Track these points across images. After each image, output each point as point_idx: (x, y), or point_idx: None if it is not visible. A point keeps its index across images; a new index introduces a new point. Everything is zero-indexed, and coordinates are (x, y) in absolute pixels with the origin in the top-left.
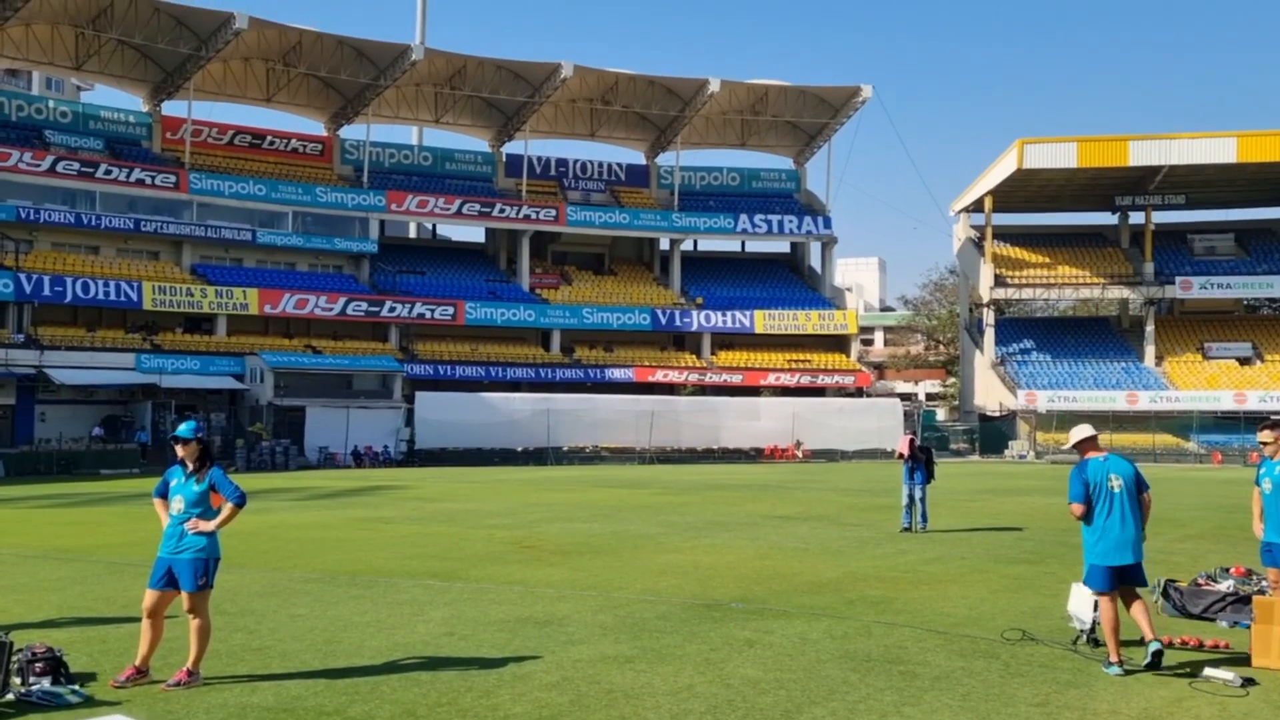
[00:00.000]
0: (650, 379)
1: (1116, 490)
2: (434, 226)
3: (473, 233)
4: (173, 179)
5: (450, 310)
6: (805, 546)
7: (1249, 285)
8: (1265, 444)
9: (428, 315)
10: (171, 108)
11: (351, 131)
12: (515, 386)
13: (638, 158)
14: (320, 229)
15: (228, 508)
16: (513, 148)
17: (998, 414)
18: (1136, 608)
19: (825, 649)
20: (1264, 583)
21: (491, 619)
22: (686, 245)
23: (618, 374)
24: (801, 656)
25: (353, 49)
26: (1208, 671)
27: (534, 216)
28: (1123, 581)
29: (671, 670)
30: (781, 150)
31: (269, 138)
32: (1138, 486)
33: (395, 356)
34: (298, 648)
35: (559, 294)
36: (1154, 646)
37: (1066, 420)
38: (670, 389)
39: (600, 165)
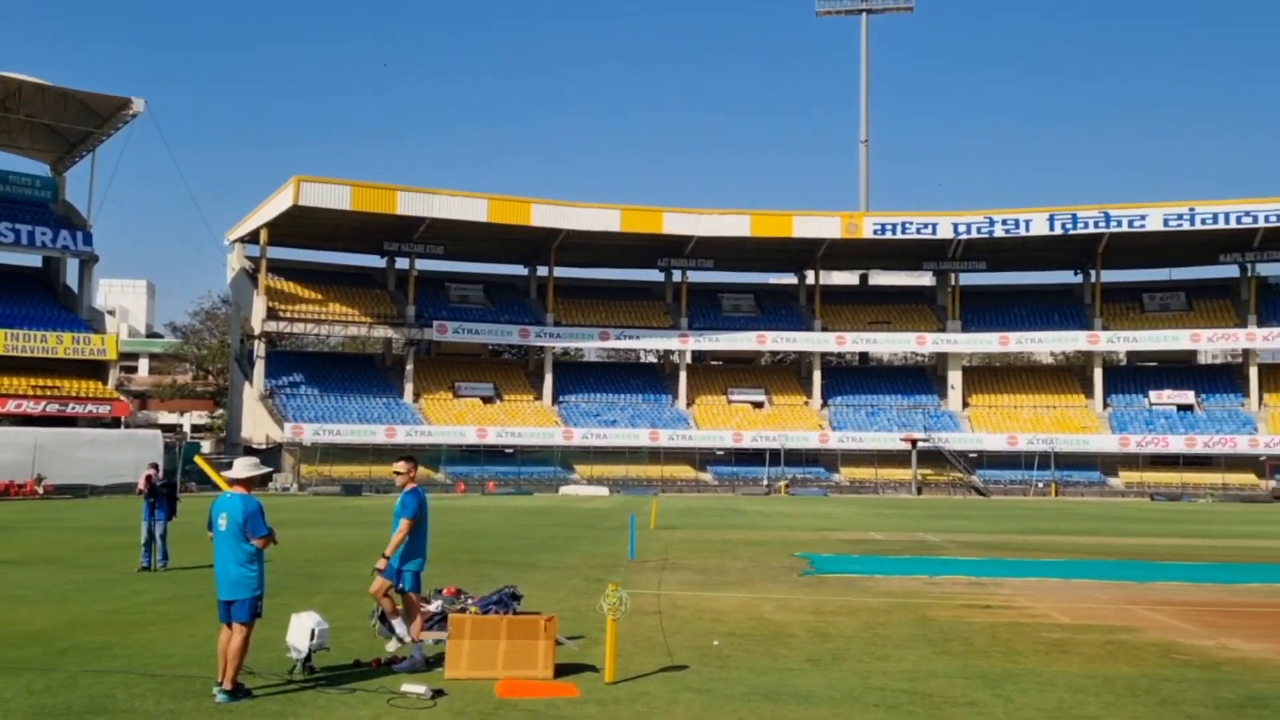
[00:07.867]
0: None
1: (222, 527)
2: None
3: None
4: None
5: None
6: (23, 594)
7: (494, 332)
8: (399, 474)
9: None
10: None
11: None
12: None
13: None
14: None
15: None
16: None
17: (264, 446)
18: (232, 648)
19: (17, 707)
20: (469, 601)
21: None
22: None
23: None
24: None
25: None
26: (404, 687)
27: None
28: (226, 615)
29: None
30: (37, 154)
31: None
32: (244, 529)
33: None
34: None
35: None
36: (220, 697)
37: (331, 453)
38: None
39: None
